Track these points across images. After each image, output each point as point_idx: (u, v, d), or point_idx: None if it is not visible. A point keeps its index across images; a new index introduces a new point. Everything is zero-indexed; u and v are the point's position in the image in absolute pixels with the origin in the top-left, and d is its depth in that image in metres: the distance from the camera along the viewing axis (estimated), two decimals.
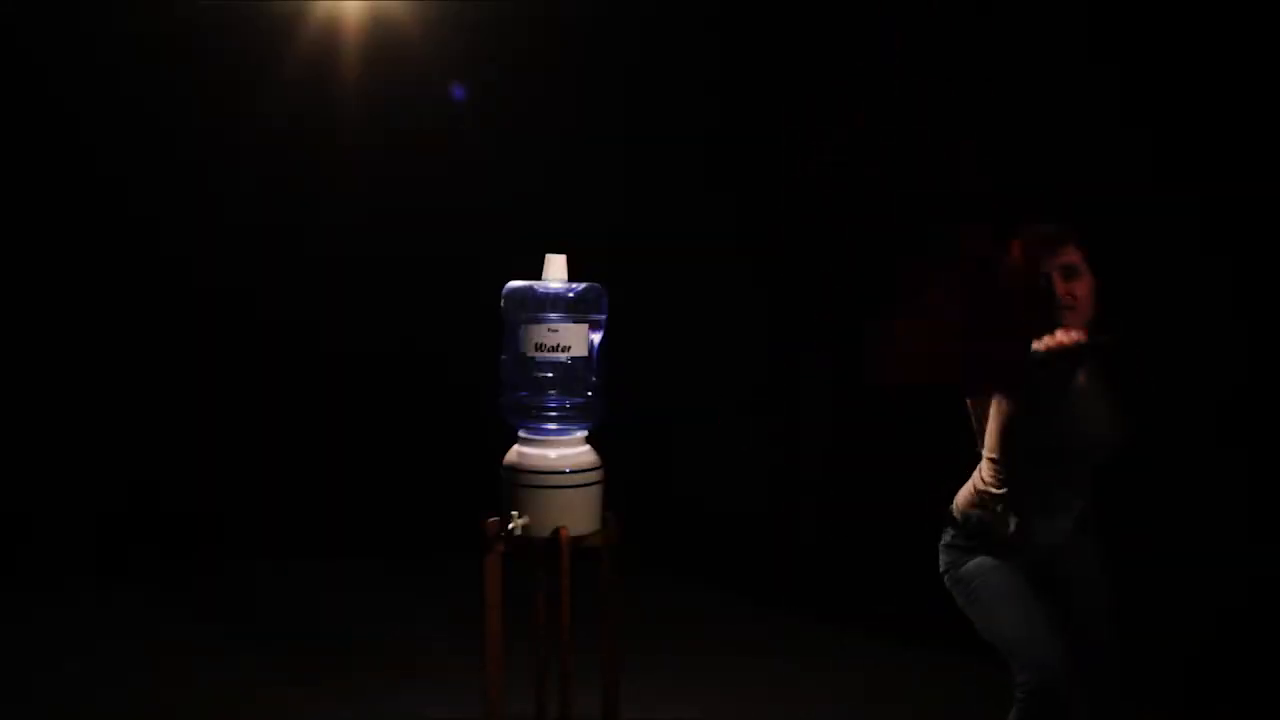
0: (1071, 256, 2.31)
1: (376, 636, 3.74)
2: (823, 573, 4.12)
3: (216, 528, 4.59)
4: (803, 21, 4.17)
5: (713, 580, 4.29)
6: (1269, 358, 3.22)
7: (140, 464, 4.53)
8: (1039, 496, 2.32)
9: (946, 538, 2.50)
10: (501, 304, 2.59)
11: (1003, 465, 2.34)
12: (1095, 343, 2.20)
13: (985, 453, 2.39)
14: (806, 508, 4.37)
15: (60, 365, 4.43)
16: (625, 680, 2.68)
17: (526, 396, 2.55)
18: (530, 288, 2.53)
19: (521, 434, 2.54)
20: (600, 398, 2.59)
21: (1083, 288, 2.30)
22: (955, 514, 2.47)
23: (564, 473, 2.45)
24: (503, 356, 2.60)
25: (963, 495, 2.48)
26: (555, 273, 2.51)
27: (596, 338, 2.55)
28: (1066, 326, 2.26)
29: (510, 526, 2.43)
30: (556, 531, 2.42)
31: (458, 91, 4.65)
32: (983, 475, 2.40)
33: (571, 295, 2.51)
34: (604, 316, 2.57)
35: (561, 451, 2.48)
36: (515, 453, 2.51)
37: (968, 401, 2.43)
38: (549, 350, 2.46)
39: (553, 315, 2.50)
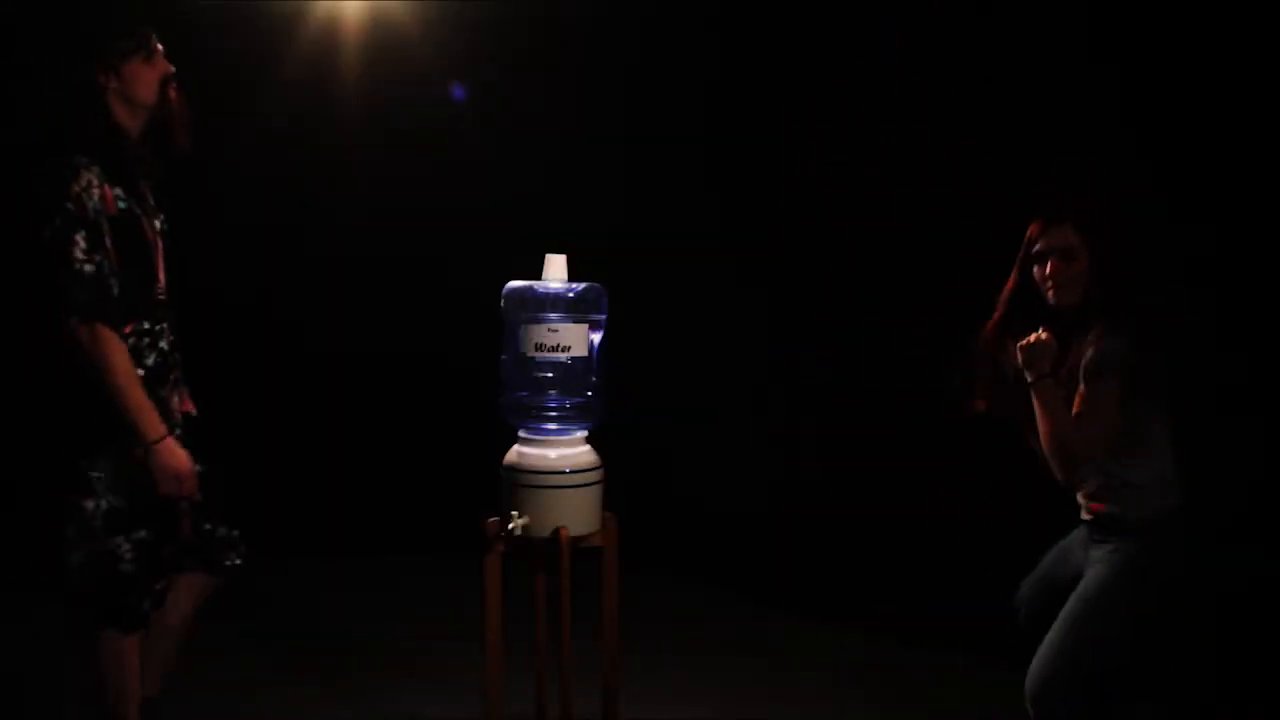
0: (1066, 238, 2.30)
1: (376, 636, 3.74)
2: (823, 573, 4.12)
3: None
4: (803, 21, 4.17)
5: (713, 580, 4.29)
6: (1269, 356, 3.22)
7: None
8: None
9: None
10: (501, 304, 2.59)
11: None
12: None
13: None
14: (806, 508, 4.37)
15: (60, 366, 4.43)
16: (625, 680, 2.68)
17: (526, 396, 2.55)
18: (530, 288, 2.53)
19: (521, 434, 2.54)
20: (600, 398, 2.59)
21: (1074, 269, 2.29)
22: None
23: (564, 473, 2.45)
24: (503, 356, 2.60)
25: None
26: (555, 273, 2.52)
27: (596, 338, 2.55)
28: (1052, 312, 2.29)
29: (510, 526, 2.43)
30: (556, 531, 2.42)
31: (458, 91, 4.66)
32: None
33: (571, 295, 2.51)
34: (604, 316, 2.57)
35: (561, 451, 2.48)
36: (515, 453, 2.51)
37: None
38: (549, 350, 2.46)
39: (553, 315, 2.50)
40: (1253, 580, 3.21)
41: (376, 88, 4.56)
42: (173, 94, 2.49)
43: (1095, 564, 2.34)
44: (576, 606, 2.45)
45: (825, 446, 4.38)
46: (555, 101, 4.56)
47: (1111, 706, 2.47)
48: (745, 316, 4.50)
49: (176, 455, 2.35)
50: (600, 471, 2.51)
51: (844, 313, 4.16)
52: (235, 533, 2.62)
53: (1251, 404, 3.24)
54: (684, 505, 4.55)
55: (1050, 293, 2.33)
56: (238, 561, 2.61)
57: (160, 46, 2.49)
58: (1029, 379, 2.30)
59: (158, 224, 2.50)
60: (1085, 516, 2.43)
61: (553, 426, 2.53)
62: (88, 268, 2.27)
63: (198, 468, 2.45)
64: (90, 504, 2.35)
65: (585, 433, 2.56)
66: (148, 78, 2.44)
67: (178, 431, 2.48)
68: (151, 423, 2.31)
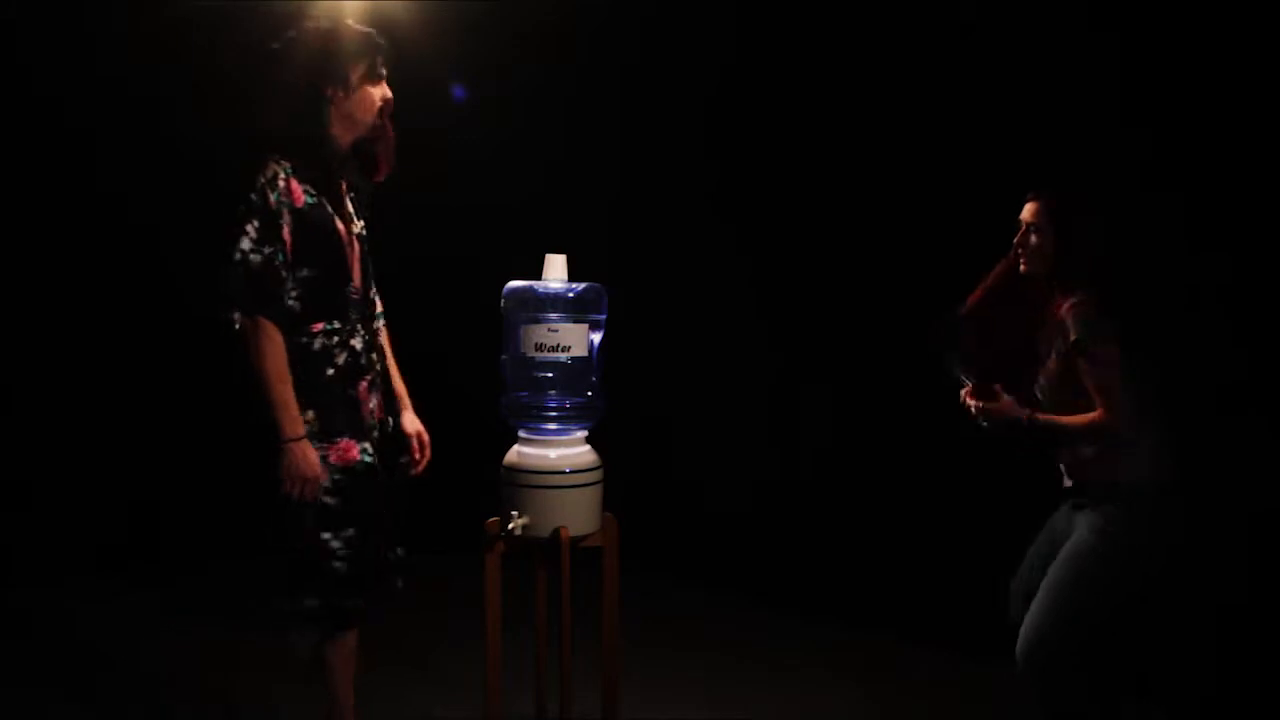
0: (1036, 213, 2.48)
1: (377, 636, 3.73)
2: (823, 573, 4.12)
3: (216, 527, 4.59)
4: (803, 21, 4.17)
5: (713, 580, 4.29)
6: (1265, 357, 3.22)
7: (140, 464, 4.53)
8: None
9: None
10: (501, 304, 2.59)
11: None
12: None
13: None
14: (807, 507, 4.37)
15: (60, 366, 4.43)
16: (625, 680, 2.68)
17: (526, 396, 2.55)
18: (530, 288, 2.53)
19: (521, 434, 2.55)
20: (600, 398, 2.59)
21: (1041, 241, 2.46)
22: None
23: (564, 473, 2.45)
24: (503, 356, 2.60)
25: None
26: (555, 273, 2.52)
27: (596, 338, 2.55)
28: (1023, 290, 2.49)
29: (510, 526, 2.43)
30: (556, 531, 2.42)
31: (458, 91, 4.65)
32: None
33: (571, 295, 2.52)
34: (604, 316, 2.57)
35: (561, 451, 2.48)
36: (515, 453, 2.51)
37: None
38: (549, 350, 2.47)
39: (553, 315, 2.50)
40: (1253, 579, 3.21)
41: None
42: (388, 122, 2.50)
43: (1080, 529, 2.41)
44: (576, 606, 2.46)
45: (825, 446, 4.38)
46: (555, 101, 4.55)
47: (1119, 703, 2.49)
48: (745, 316, 4.49)
49: (308, 459, 2.31)
50: (600, 471, 2.52)
51: (845, 312, 4.16)
52: (402, 552, 2.58)
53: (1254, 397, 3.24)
54: (684, 505, 4.55)
55: (1022, 263, 2.51)
56: (399, 585, 2.57)
57: (385, 71, 2.47)
58: (1025, 424, 2.43)
59: (356, 228, 2.48)
60: (1067, 484, 2.49)
61: (553, 426, 2.53)
62: (254, 257, 2.28)
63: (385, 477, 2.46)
64: (300, 503, 2.32)
65: (585, 433, 2.56)
66: (371, 100, 2.43)
67: (375, 434, 2.46)
68: (291, 420, 2.29)
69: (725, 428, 4.57)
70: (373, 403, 2.47)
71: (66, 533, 4.40)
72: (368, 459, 2.42)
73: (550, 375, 2.53)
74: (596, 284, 2.57)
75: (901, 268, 3.97)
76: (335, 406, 2.37)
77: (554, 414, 2.54)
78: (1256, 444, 3.09)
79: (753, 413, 4.54)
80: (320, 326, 2.36)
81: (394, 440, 2.57)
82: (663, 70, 4.49)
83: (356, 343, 2.42)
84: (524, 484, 2.45)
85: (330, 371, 2.36)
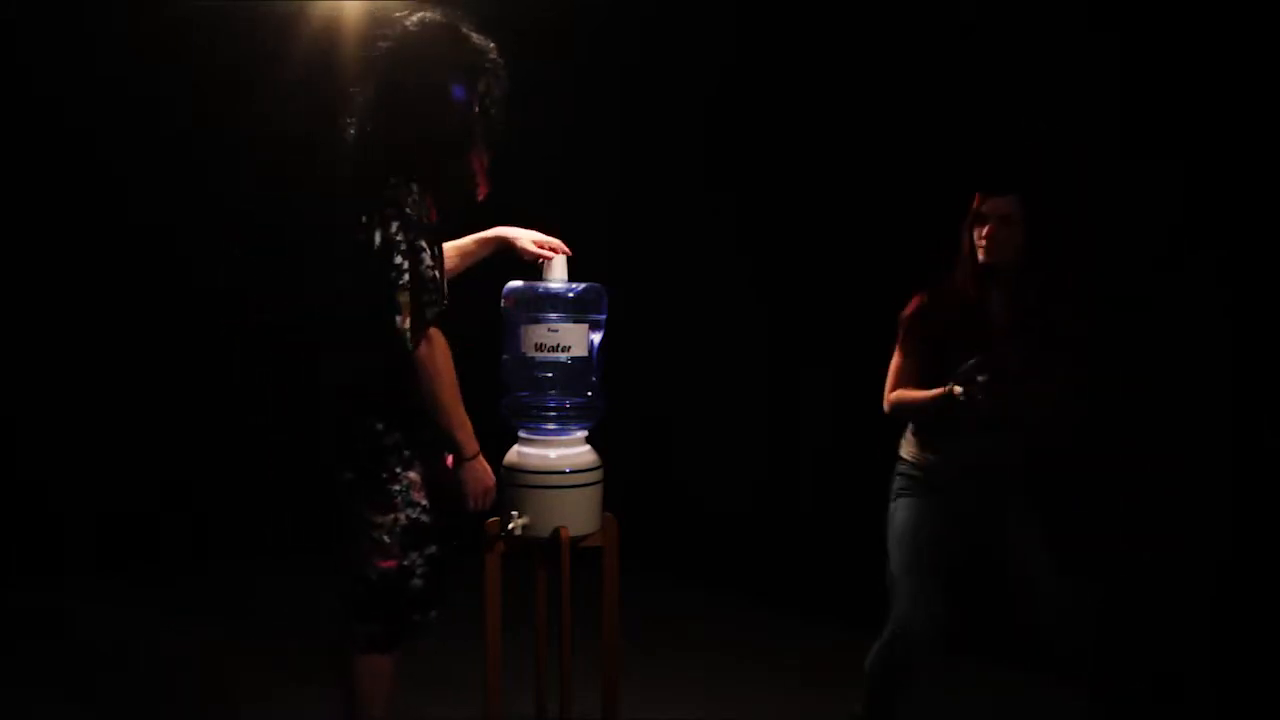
0: (1001, 207, 2.55)
1: None
2: (823, 573, 4.11)
3: (216, 527, 4.60)
4: (803, 21, 4.17)
5: (713, 580, 4.29)
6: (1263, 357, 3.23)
7: (140, 464, 4.53)
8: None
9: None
10: (501, 304, 2.59)
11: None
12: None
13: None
14: (807, 507, 4.37)
15: (59, 366, 4.43)
16: (625, 680, 2.68)
17: (526, 396, 2.55)
18: (530, 288, 2.53)
19: (521, 434, 2.55)
20: (600, 398, 2.59)
21: (1007, 236, 2.54)
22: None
23: (564, 473, 2.45)
24: (503, 356, 2.60)
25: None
26: (555, 273, 2.52)
27: (596, 338, 2.55)
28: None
29: (510, 526, 2.43)
30: (556, 531, 2.42)
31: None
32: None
33: (571, 295, 2.52)
34: (604, 316, 2.57)
35: (561, 451, 2.48)
36: (515, 453, 2.51)
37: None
38: (549, 350, 2.47)
39: (553, 315, 2.50)
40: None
41: None
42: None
43: (1017, 493, 2.60)
44: (576, 606, 2.46)
45: (826, 445, 4.38)
46: (555, 101, 4.55)
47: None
48: (745, 315, 4.49)
49: (488, 471, 2.30)
50: (600, 471, 2.51)
51: (845, 311, 4.16)
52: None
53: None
54: (684, 505, 4.55)
55: (982, 252, 2.58)
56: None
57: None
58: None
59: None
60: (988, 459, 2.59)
61: (553, 426, 2.53)
62: (435, 273, 2.20)
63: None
64: (388, 518, 2.26)
65: (585, 433, 2.56)
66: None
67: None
68: (470, 437, 2.26)
69: (725, 427, 4.57)
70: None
71: (66, 533, 4.40)
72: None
73: (550, 375, 2.53)
74: (596, 284, 2.57)
75: (901, 267, 3.96)
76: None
77: (554, 414, 2.54)
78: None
79: (753, 412, 4.54)
80: None
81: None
82: (663, 70, 4.49)
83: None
84: (524, 484, 2.45)
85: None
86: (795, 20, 4.20)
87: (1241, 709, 3.07)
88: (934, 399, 2.53)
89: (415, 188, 2.23)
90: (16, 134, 4.28)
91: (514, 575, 2.54)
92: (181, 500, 4.57)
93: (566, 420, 2.54)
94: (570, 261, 2.54)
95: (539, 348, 2.47)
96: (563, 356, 2.48)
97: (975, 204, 2.62)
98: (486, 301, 2.68)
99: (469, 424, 2.27)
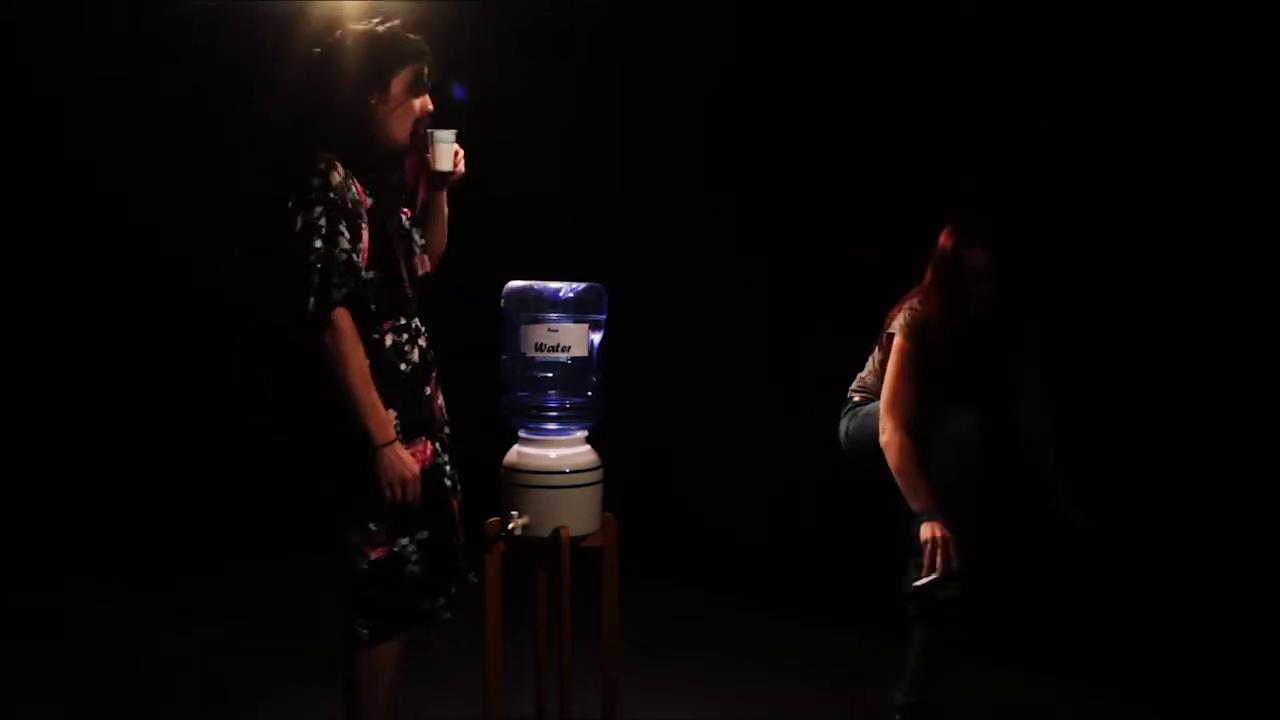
0: (981, 262, 2.70)
1: None
2: (823, 574, 4.11)
3: (216, 527, 4.59)
4: (803, 21, 4.17)
5: (713, 580, 4.29)
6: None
7: (140, 464, 4.53)
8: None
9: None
10: (501, 304, 2.59)
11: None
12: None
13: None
14: (808, 508, 4.37)
15: (58, 367, 4.43)
16: (625, 680, 2.68)
17: (526, 396, 2.55)
18: (530, 288, 2.54)
19: (521, 434, 2.55)
20: (600, 398, 2.59)
21: (986, 292, 2.70)
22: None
23: (564, 473, 2.46)
24: (503, 356, 2.60)
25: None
26: (442, 150, 2.40)
27: (596, 338, 2.55)
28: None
29: (510, 526, 2.43)
30: (556, 531, 2.42)
31: (458, 91, 4.65)
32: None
33: (571, 295, 2.52)
34: (604, 316, 2.57)
35: (561, 451, 2.48)
36: (515, 453, 2.51)
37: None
38: (549, 350, 2.47)
39: (553, 315, 2.51)
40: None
41: None
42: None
43: None
44: (576, 606, 2.46)
45: (826, 446, 4.37)
46: (555, 101, 4.55)
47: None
48: (746, 315, 4.49)
49: (404, 460, 2.24)
50: (600, 471, 2.52)
51: (846, 310, 4.16)
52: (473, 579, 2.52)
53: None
54: (684, 505, 4.55)
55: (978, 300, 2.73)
56: (474, 579, 2.49)
57: (429, 83, 2.40)
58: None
59: (404, 221, 2.41)
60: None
61: (553, 426, 2.53)
62: (337, 252, 2.18)
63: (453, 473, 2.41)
64: (370, 505, 2.25)
65: (585, 433, 2.56)
66: (410, 113, 2.36)
67: (446, 431, 2.42)
68: (381, 425, 2.21)
69: (726, 428, 4.57)
70: (439, 400, 2.43)
71: (66, 533, 4.40)
72: (440, 459, 2.38)
73: (550, 375, 2.53)
74: (596, 284, 2.57)
75: (900, 266, 3.96)
76: (412, 404, 2.31)
77: (554, 414, 2.54)
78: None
79: (753, 412, 4.54)
80: (390, 324, 2.30)
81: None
82: (663, 70, 4.49)
83: (422, 340, 2.37)
84: (524, 484, 2.45)
85: (405, 368, 2.30)
86: (795, 20, 4.20)
87: (1241, 709, 3.07)
88: (913, 505, 2.73)
89: (341, 170, 2.24)
90: (16, 134, 4.28)
91: (514, 575, 2.54)
92: (181, 500, 4.56)
93: (566, 420, 2.54)
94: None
95: (539, 348, 2.47)
96: (563, 356, 2.48)
97: (949, 244, 2.75)
98: (486, 301, 2.68)
99: (381, 410, 2.22)
